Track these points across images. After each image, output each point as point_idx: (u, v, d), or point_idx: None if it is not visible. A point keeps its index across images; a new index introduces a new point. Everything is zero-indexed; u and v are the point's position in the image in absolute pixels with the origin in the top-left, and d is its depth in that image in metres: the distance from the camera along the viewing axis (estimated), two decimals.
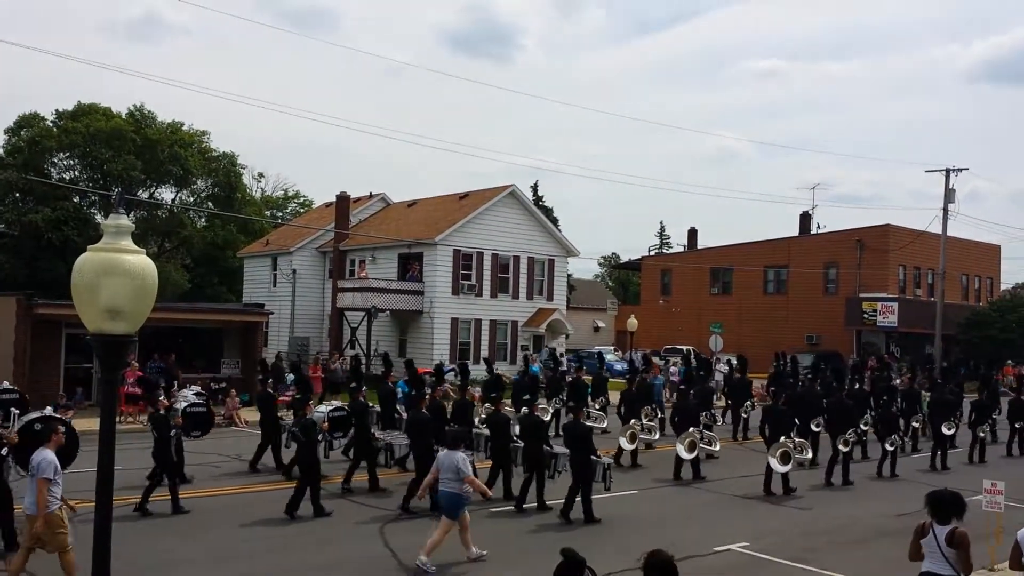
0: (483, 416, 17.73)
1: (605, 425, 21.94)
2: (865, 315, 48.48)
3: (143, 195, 51.10)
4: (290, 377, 24.79)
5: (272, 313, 37.48)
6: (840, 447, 17.90)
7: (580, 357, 28.27)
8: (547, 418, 20.73)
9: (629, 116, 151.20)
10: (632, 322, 45.25)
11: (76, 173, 50.19)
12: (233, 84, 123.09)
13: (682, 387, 21.26)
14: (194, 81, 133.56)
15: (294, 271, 44.57)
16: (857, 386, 22.49)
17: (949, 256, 47.07)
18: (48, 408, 13.75)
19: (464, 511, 11.55)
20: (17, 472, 11.38)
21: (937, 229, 46.49)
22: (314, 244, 45.73)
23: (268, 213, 65.92)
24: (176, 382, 25.56)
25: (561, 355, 39.21)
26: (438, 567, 10.91)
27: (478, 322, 39.64)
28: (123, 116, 50.50)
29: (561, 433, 17.93)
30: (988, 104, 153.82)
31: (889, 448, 18.99)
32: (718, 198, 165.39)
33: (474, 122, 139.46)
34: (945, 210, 45.68)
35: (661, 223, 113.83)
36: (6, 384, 16.39)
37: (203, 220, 56.86)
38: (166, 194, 55.26)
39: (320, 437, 14.99)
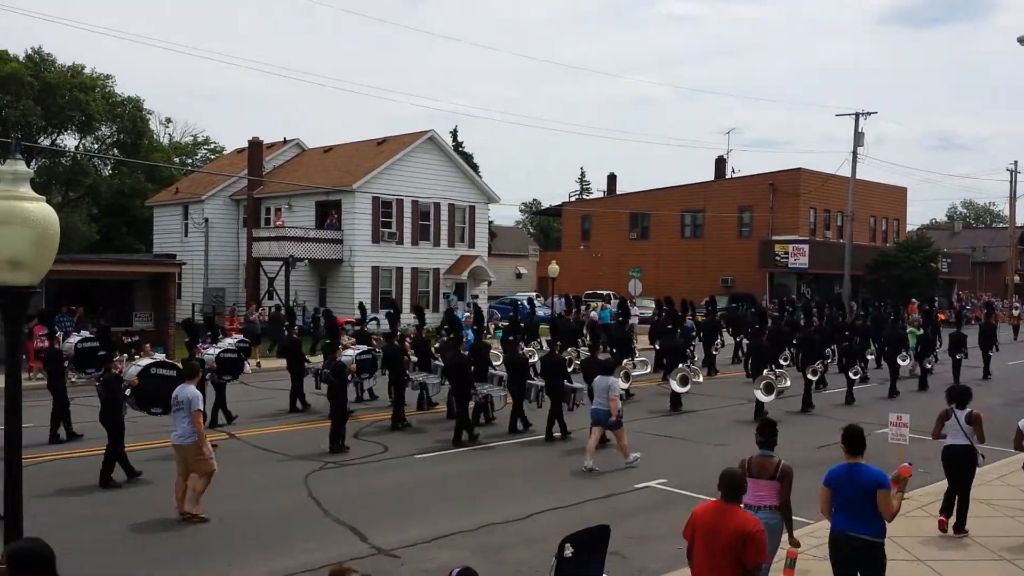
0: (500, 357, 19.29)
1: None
2: (777, 257, 49.81)
3: (44, 142, 48.83)
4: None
5: (184, 264, 36.48)
6: (809, 376, 20.13)
7: (580, 301, 30.55)
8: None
9: (548, 60, 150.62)
10: (554, 268, 45.52)
11: None
12: (136, 26, 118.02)
13: (669, 327, 23.47)
14: (95, 23, 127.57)
15: (206, 220, 43.38)
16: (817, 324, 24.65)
17: (858, 198, 48.52)
18: (157, 354, 15.70)
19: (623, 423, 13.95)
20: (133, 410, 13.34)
21: (847, 172, 47.82)
22: (227, 192, 44.49)
23: (177, 160, 63.76)
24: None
25: (468, 304, 39.37)
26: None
27: (399, 270, 39.34)
28: (20, 59, 47.92)
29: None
30: (897, 48, 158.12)
31: (853, 377, 21.28)
32: (636, 143, 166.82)
33: (390, 65, 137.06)
34: (854, 153, 46.94)
35: (581, 169, 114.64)
36: (85, 333, 19.05)
37: (109, 168, 54.72)
38: (69, 141, 52.93)
39: (349, 378, 16.31)
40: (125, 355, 16.15)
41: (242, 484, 12.68)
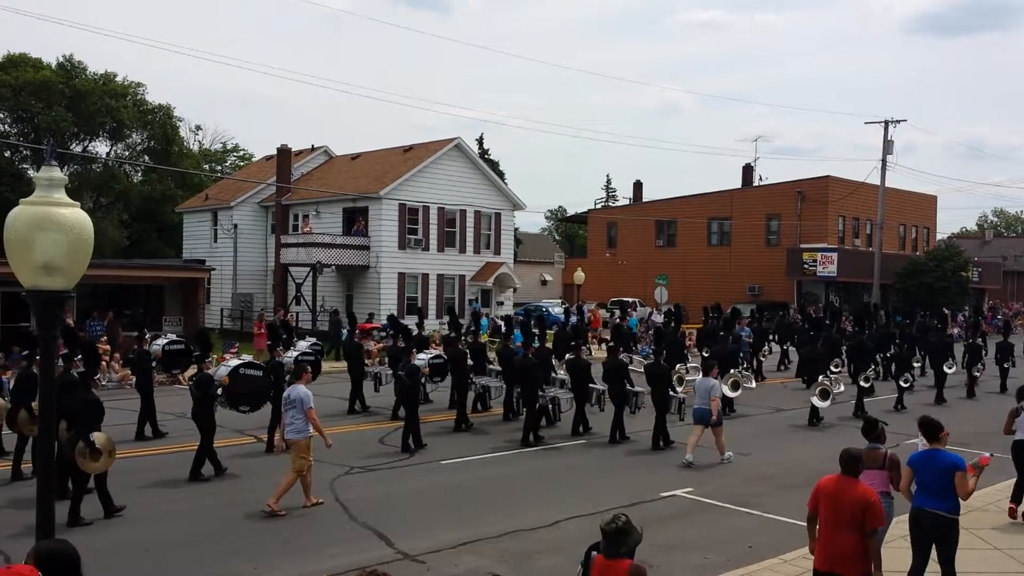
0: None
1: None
2: (805, 265, 49.37)
3: (76, 148, 49.53)
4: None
5: (214, 269, 36.86)
6: (861, 383, 20.40)
7: (624, 307, 31.48)
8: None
9: (573, 68, 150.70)
10: (579, 275, 45.47)
11: (6, 127, 48.42)
12: (167, 34, 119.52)
13: (722, 334, 24.03)
14: (127, 31, 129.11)
15: (235, 226, 43.75)
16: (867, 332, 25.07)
17: (887, 207, 48.01)
18: (246, 356, 16.62)
19: (722, 422, 15.01)
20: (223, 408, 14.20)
21: (876, 180, 47.31)
22: (255, 198, 44.85)
23: (207, 167, 64.44)
24: (118, 341, 25.24)
25: (488, 311, 39.31)
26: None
27: (425, 277, 39.45)
28: (53, 67, 48.72)
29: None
30: (925, 56, 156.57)
31: (904, 385, 21.53)
32: (662, 151, 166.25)
33: (415, 73, 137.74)
34: (884, 161, 46.41)
35: (607, 176, 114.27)
36: (173, 336, 20.32)
37: (139, 174, 55.40)
38: (100, 148, 53.69)
39: (423, 381, 17.12)
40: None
41: (268, 488, 12.74)
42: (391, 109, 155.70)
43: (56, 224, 5.22)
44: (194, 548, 10.09)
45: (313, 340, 21.39)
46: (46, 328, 5.49)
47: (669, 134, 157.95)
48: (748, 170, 60.78)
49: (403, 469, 14.18)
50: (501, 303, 41.23)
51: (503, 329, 22.17)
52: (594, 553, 5.66)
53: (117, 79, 51.68)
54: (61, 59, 49.78)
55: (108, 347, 24.20)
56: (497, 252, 42.09)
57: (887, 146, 46.31)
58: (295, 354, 17.75)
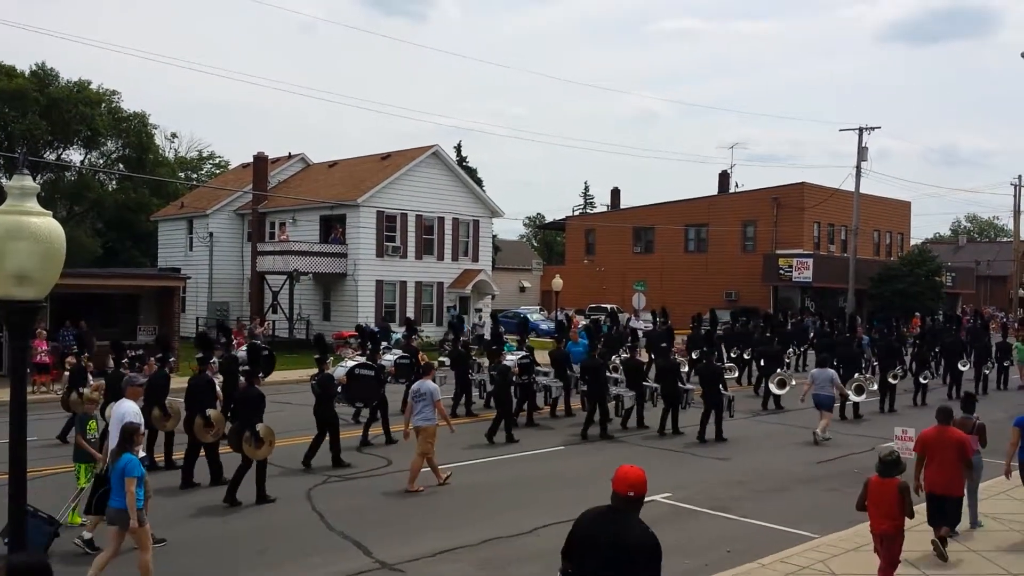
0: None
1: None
2: (781, 271, 49.73)
3: (50, 156, 49.08)
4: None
5: (189, 278, 36.53)
6: (890, 379, 21.81)
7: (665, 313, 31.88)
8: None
9: (552, 75, 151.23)
10: (557, 282, 45.54)
11: None
12: (142, 41, 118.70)
13: (768, 335, 25.32)
14: (102, 39, 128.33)
15: (211, 234, 43.44)
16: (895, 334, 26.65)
17: (861, 212, 48.48)
18: (358, 357, 17.61)
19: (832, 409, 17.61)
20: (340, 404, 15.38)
21: (850, 186, 47.78)
22: (231, 206, 44.58)
23: (182, 175, 64.00)
24: (89, 352, 24.93)
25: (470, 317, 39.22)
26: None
27: (403, 284, 39.37)
28: (26, 75, 48.25)
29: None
30: (899, 64, 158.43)
31: (924, 381, 23.22)
32: (640, 158, 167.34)
33: (392, 81, 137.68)
34: (858, 168, 46.88)
35: (585, 183, 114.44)
36: (256, 343, 20.98)
37: (114, 182, 54.97)
38: (74, 155, 53.24)
39: (514, 380, 18.26)
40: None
41: (244, 499, 12.65)
42: (368, 117, 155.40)
43: (28, 233, 5.16)
44: (166, 560, 9.98)
45: (400, 353, 22.20)
46: (18, 339, 5.43)
47: (647, 141, 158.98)
48: (724, 177, 61.19)
49: (381, 478, 14.10)
50: (479, 310, 41.19)
51: (556, 333, 23.11)
52: (870, 476, 8.32)
53: (91, 87, 51.29)
54: (35, 67, 49.35)
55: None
56: (475, 259, 42.07)
57: (861, 153, 46.79)
58: (394, 358, 19.58)
